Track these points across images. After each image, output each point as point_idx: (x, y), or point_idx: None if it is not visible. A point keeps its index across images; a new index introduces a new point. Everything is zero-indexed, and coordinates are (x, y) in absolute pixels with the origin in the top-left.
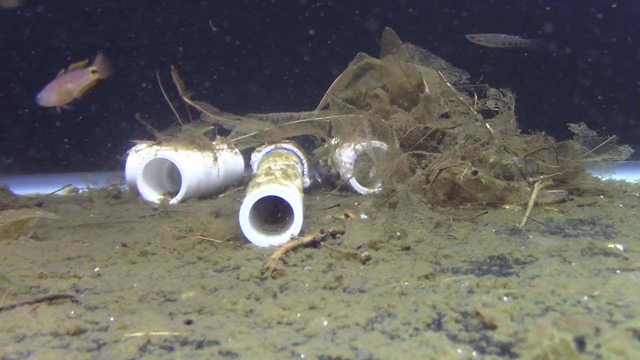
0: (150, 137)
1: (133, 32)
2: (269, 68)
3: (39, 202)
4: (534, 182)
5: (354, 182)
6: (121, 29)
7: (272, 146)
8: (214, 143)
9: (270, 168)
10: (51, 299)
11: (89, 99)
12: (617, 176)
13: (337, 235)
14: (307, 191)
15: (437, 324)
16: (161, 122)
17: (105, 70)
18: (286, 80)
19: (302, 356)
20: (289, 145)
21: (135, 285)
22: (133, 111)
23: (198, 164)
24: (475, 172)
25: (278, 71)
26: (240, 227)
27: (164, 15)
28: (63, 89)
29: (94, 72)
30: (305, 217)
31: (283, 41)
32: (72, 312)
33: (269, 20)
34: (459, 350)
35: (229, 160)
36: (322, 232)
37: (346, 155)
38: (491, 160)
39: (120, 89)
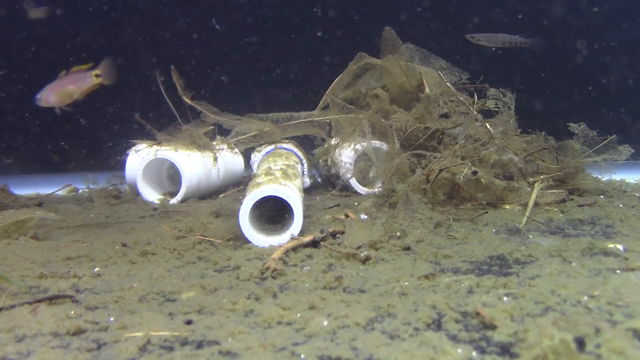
0: (150, 137)
1: (134, 31)
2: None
3: (39, 202)
4: (534, 182)
5: (354, 182)
6: (124, 28)
7: (272, 146)
8: (214, 143)
9: (270, 168)
10: (51, 299)
11: (90, 99)
12: (617, 176)
13: (337, 235)
14: (307, 191)
15: (437, 324)
16: (162, 122)
17: (109, 76)
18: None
19: (302, 356)
20: (289, 145)
21: (135, 285)
22: (134, 111)
23: (198, 164)
24: (475, 172)
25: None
26: (240, 227)
27: (166, 14)
28: (64, 90)
29: (97, 76)
30: (305, 217)
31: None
32: (72, 312)
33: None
34: (459, 350)
35: (229, 160)
36: (322, 232)
37: (346, 155)
38: (492, 160)
39: (121, 89)
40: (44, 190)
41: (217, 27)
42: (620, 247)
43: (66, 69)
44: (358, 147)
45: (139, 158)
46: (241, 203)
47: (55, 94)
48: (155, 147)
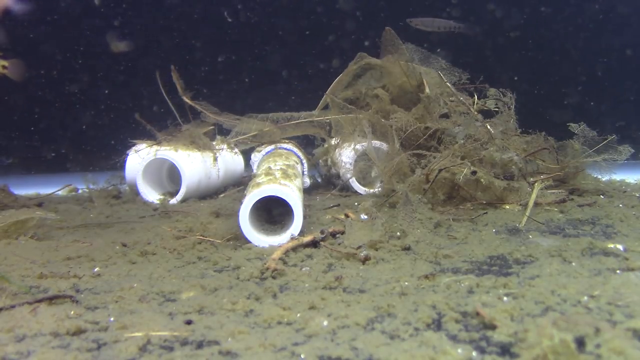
0: (150, 137)
1: (137, 30)
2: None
3: (39, 202)
4: (534, 182)
5: (354, 182)
6: (125, 27)
7: (272, 146)
8: (214, 143)
9: (270, 168)
10: (51, 299)
11: (89, 99)
12: (617, 176)
13: (337, 235)
14: (307, 191)
15: (437, 324)
16: (162, 123)
17: (15, 73)
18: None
19: (302, 356)
20: (289, 145)
21: (135, 285)
22: (135, 111)
23: (198, 164)
24: (474, 172)
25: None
26: (240, 227)
27: (170, 12)
28: None
29: (4, 67)
30: (305, 217)
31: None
32: (72, 312)
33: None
34: (459, 350)
35: (229, 160)
36: (322, 232)
37: (346, 155)
38: (492, 160)
39: (121, 89)
40: (44, 190)
41: (229, 20)
42: (620, 247)
43: None
44: (358, 147)
45: (139, 158)
46: (241, 203)
47: None
48: (155, 147)
